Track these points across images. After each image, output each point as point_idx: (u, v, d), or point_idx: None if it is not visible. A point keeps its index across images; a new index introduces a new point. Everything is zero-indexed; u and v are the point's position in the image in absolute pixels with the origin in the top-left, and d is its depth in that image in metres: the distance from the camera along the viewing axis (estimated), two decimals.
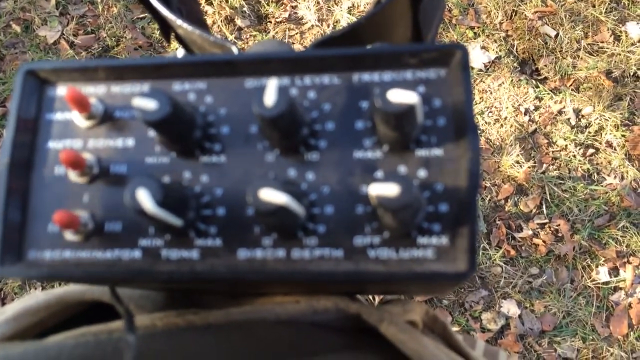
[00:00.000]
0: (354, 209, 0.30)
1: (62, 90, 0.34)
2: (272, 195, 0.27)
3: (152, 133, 0.33)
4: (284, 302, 0.40)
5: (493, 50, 1.83)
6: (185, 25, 0.40)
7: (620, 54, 1.78)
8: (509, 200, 1.72)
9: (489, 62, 1.81)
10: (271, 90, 0.28)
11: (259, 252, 0.31)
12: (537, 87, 1.79)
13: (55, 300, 0.42)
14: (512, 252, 1.69)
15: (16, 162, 0.32)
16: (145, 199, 0.27)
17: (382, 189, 0.26)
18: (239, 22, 1.85)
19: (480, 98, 1.78)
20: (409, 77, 0.31)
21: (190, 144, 0.32)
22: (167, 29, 0.46)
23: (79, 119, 0.33)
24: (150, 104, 0.28)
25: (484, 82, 1.80)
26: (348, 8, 1.88)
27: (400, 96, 0.26)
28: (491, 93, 1.79)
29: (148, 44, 1.83)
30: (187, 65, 0.33)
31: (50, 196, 0.33)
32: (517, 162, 1.74)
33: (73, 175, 0.32)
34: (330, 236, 0.30)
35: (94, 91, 0.34)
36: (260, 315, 0.39)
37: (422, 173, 0.30)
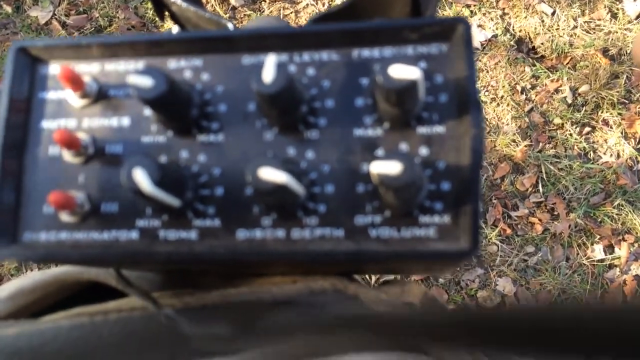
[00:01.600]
0: (355, 187, 0.30)
1: (55, 69, 0.33)
2: (271, 174, 0.26)
3: (148, 112, 0.32)
4: (280, 282, 0.40)
5: (489, 28, 1.81)
6: (179, 1, 0.39)
7: (617, 32, 1.77)
8: (505, 179, 1.72)
9: (486, 41, 1.80)
10: (269, 66, 0.27)
11: (258, 233, 0.30)
12: (534, 65, 1.77)
13: (52, 280, 0.42)
14: (508, 231, 1.70)
15: (9, 143, 0.32)
16: (142, 178, 0.27)
17: (384, 167, 0.26)
18: (233, 1, 1.83)
19: (477, 77, 1.77)
20: (410, 52, 0.30)
21: (187, 122, 0.31)
22: (160, 6, 0.45)
23: (72, 98, 0.32)
24: (146, 81, 0.28)
25: (480, 60, 1.79)
26: None
27: (402, 72, 0.26)
28: (487, 72, 1.78)
29: (141, 24, 1.81)
30: (182, 41, 0.32)
31: (45, 177, 0.32)
32: (514, 141, 1.73)
33: (68, 156, 0.32)
34: (331, 215, 0.30)
35: (88, 69, 0.33)
36: (256, 296, 0.39)
37: (423, 151, 0.29)
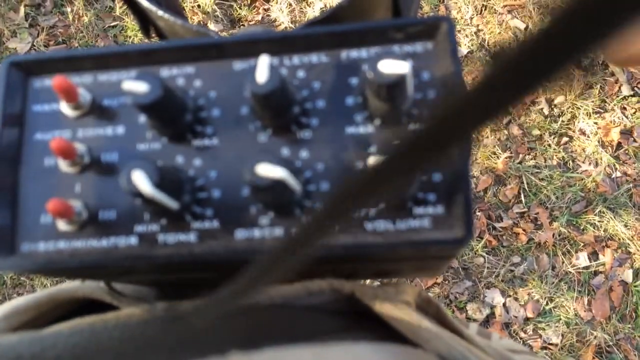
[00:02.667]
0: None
1: (48, 81, 0.34)
2: (269, 170, 0.27)
3: (142, 119, 0.32)
4: (279, 286, 0.40)
5: (465, 45, 1.85)
6: (166, 15, 0.40)
7: None
8: (488, 191, 1.74)
9: (462, 57, 1.83)
10: (263, 66, 0.28)
11: (257, 232, 0.31)
12: None
13: (46, 298, 0.41)
14: (494, 242, 1.71)
15: (4, 157, 0.32)
16: (142, 180, 0.27)
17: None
18: (212, 26, 1.85)
19: (462, 73, 1.80)
20: (396, 51, 0.31)
21: (182, 128, 0.32)
22: (146, 23, 0.46)
23: (66, 109, 0.33)
24: (141, 87, 0.28)
25: None
26: (320, 9, 1.89)
27: (391, 66, 0.27)
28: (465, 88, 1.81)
29: (114, 42, 1.82)
30: (174, 50, 0.33)
31: (42, 188, 0.32)
32: (494, 153, 1.76)
33: (64, 166, 0.32)
34: None
35: (81, 81, 0.33)
36: (254, 299, 0.39)
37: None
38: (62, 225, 0.31)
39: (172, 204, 0.29)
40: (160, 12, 0.40)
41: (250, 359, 0.31)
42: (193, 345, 0.35)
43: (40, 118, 0.33)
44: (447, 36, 0.30)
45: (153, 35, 0.48)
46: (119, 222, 0.32)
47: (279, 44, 0.32)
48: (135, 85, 0.28)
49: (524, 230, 1.72)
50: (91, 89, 0.33)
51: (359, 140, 0.31)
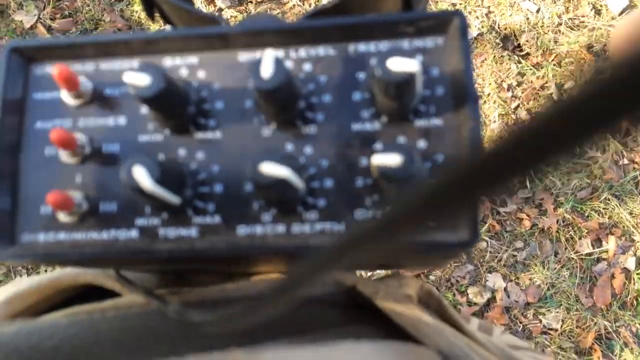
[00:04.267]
0: (354, 181, 0.30)
1: (49, 69, 0.33)
2: (272, 169, 0.26)
3: (144, 110, 0.32)
4: (280, 277, 0.40)
5: (475, 27, 1.82)
6: (173, 1, 0.39)
7: (601, 28, 1.79)
8: None
9: (472, 39, 1.81)
10: (268, 61, 0.27)
11: (259, 228, 0.30)
12: (519, 62, 1.79)
13: (48, 283, 0.41)
14: (497, 227, 1.71)
15: (4, 145, 0.32)
16: (142, 176, 0.27)
17: (385, 159, 0.26)
18: (219, 2, 1.82)
19: (473, 69, 1.78)
20: (406, 46, 0.31)
21: (184, 120, 0.31)
22: (151, 6, 0.45)
23: (67, 98, 0.32)
24: (143, 79, 0.28)
25: None
26: None
27: (400, 64, 0.26)
28: (474, 70, 1.79)
29: (127, 26, 1.80)
30: (177, 39, 0.32)
31: (42, 178, 0.32)
32: (501, 138, 1.74)
33: (64, 156, 0.31)
34: (331, 210, 0.30)
35: (82, 69, 0.33)
36: (256, 290, 0.39)
37: (421, 144, 0.30)
38: (62, 216, 0.31)
39: (173, 199, 0.28)
40: None
41: (252, 358, 0.31)
42: (194, 338, 0.35)
43: (41, 106, 0.33)
44: (459, 31, 0.30)
45: (157, 16, 0.47)
46: (120, 214, 0.31)
47: (286, 35, 0.31)
48: (137, 77, 0.28)
49: (528, 215, 1.72)
50: (93, 78, 0.32)
51: (365, 137, 0.30)
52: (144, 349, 0.34)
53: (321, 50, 0.31)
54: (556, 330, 1.66)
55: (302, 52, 0.31)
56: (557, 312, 1.67)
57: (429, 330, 0.37)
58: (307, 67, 0.31)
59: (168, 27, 0.43)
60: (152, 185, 0.27)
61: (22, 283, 0.42)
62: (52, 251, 0.31)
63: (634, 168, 1.74)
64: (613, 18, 1.80)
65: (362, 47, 0.31)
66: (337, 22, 0.31)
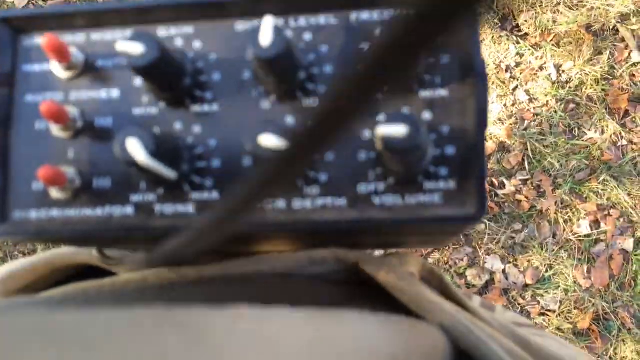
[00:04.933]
0: (357, 155, 0.29)
1: (38, 40, 0.32)
2: (272, 141, 0.25)
3: (138, 82, 0.31)
4: (280, 254, 0.39)
5: None
6: None
7: (599, 8, 1.77)
8: (491, 157, 1.73)
9: None
10: (267, 28, 0.26)
11: None
12: (518, 43, 1.77)
13: (43, 263, 0.40)
14: (496, 209, 1.70)
15: None
16: (136, 149, 0.26)
17: (390, 130, 0.25)
18: None
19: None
20: None
21: (180, 92, 0.30)
22: None
23: (58, 70, 0.31)
24: (137, 48, 0.26)
25: None
26: None
27: None
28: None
29: None
30: (171, 8, 0.30)
31: (33, 153, 0.31)
32: (499, 119, 1.74)
33: (56, 130, 0.30)
34: (333, 184, 0.29)
35: (73, 39, 0.31)
36: (256, 268, 0.38)
37: (427, 115, 0.29)
38: (54, 192, 0.30)
39: (169, 173, 0.27)
40: None
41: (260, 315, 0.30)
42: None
43: (31, 79, 0.31)
44: None
45: None
46: (114, 190, 0.30)
47: (285, 3, 0.30)
48: (130, 46, 0.26)
49: (526, 197, 1.71)
50: (84, 49, 0.31)
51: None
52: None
53: (322, 19, 0.30)
54: (554, 311, 1.67)
55: (302, 20, 0.30)
56: (555, 293, 1.67)
57: (431, 307, 0.37)
58: (308, 36, 0.30)
59: None
60: (146, 158, 0.26)
61: (17, 263, 0.42)
62: (45, 228, 0.30)
63: (633, 149, 1.73)
64: None
65: (365, 15, 0.30)
66: None
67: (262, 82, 0.29)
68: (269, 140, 0.25)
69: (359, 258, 0.38)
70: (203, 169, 0.30)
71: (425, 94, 0.29)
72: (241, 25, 0.30)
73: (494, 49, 1.77)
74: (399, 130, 0.24)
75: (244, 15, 0.30)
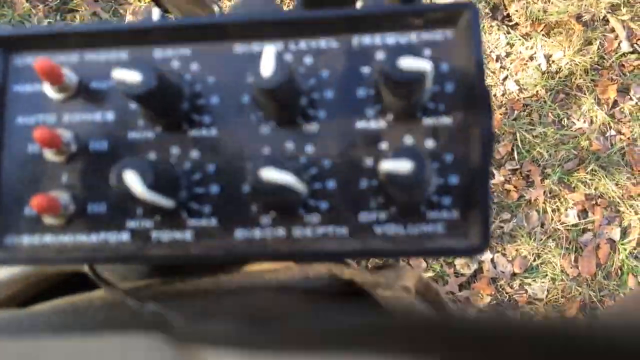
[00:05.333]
0: (358, 183, 0.28)
1: (30, 59, 0.31)
2: (274, 175, 0.25)
3: (134, 105, 0.30)
4: (275, 268, 0.38)
5: None
6: None
7: None
8: None
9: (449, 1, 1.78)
10: (268, 58, 0.25)
11: (258, 232, 0.29)
12: (509, 33, 1.77)
13: (34, 271, 0.40)
14: None
15: None
16: (134, 182, 0.25)
17: (394, 166, 0.24)
18: None
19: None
20: (414, 39, 0.29)
21: (177, 116, 0.29)
22: None
23: (51, 91, 0.30)
24: (133, 76, 0.26)
25: None
26: None
27: (412, 63, 0.24)
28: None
29: None
30: (168, 29, 0.30)
31: (25, 177, 0.30)
32: None
33: (49, 154, 0.29)
34: (334, 213, 0.28)
35: (66, 60, 0.30)
36: (250, 283, 0.37)
37: (429, 143, 0.28)
38: (48, 218, 0.29)
39: (167, 203, 0.27)
40: None
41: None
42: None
43: (22, 99, 0.30)
44: (470, 25, 0.28)
45: None
46: (110, 216, 0.29)
47: (285, 26, 0.29)
48: (127, 74, 0.25)
49: (515, 187, 1.72)
50: (77, 70, 0.30)
51: (370, 135, 0.29)
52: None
53: (323, 43, 0.29)
54: (542, 300, 1.68)
55: (303, 44, 0.29)
56: (543, 282, 1.68)
57: None
58: (308, 60, 0.29)
59: (156, 10, 0.41)
60: (145, 191, 0.25)
61: (6, 272, 0.41)
62: (38, 255, 0.29)
63: (621, 139, 1.74)
64: None
65: (366, 39, 0.29)
66: (340, 13, 0.29)
67: (262, 107, 0.29)
68: (271, 174, 0.25)
69: (354, 275, 0.38)
70: (201, 195, 0.29)
71: (428, 121, 0.28)
72: (240, 48, 0.30)
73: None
74: (404, 166, 0.24)
75: (242, 38, 0.30)
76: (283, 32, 0.29)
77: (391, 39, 0.29)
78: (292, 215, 0.29)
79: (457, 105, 0.28)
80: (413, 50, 0.25)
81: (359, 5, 0.31)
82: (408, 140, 0.28)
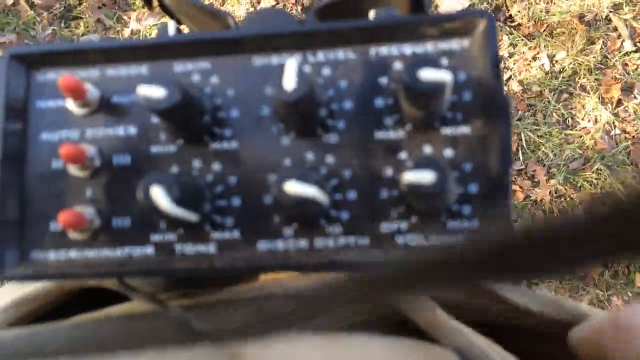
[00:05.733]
0: (378, 193, 0.29)
1: (52, 75, 0.31)
2: (298, 188, 0.25)
3: (155, 119, 0.30)
4: (293, 277, 0.39)
5: None
6: None
7: None
8: None
9: (463, 9, 1.78)
10: (290, 72, 0.25)
11: (280, 243, 0.29)
12: (511, 33, 1.77)
13: (55, 287, 0.40)
14: None
15: (8, 156, 0.30)
16: (161, 197, 0.25)
17: (417, 177, 0.24)
18: None
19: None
20: (430, 49, 0.29)
21: (199, 130, 0.29)
22: None
23: (73, 107, 0.30)
24: (157, 92, 0.26)
25: None
26: None
27: (432, 75, 0.24)
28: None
29: (112, 1, 1.75)
30: (188, 44, 0.30)
31: (50, 192, 0.30)
32: None
33: (73, 169, 0.30)
34: (355, 223, 0.29)
35: (88, 75, 0.31)
36: (268, 291, 0.38)
37: (448, 152, 0.28)
38: (73, 233, 0.30)
39: (191, 217, 0.27)
40: None
41: (263, 353, 0.30)
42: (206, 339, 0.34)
43: (46, 115, 0.31)
44: (486, 33, 0.28)
45: (155, 6, 0.45)
46: (134, 230, 0.30)
47: (302, 38, 0.29)
48: (151, 90, 0.26)
49: (520, 187, 1.72)
50: (99, 85, 0.31)
51: (389, 145, 0.29)
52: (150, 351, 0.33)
53: (340, 54, 0.30)
54: None
55: (321, 55, 0.30)
56: (550, 282, 1.68)
57: (446, 330, 0.37)
58: (326, 71, 0.30)
59: (172, 23, 0.41)
60: (171, 206, 0.25)
61: (30, 287, 0.41)
62: (63, 269, 0.30)
63: (626, 138, 1.74)
64: None
65: (383, 50, 0.29)
66: (357, 24, 0.29)
67: (283, 119, 0.29)
68: (295, 187, 0.25)
69: None
70: (224, 207, 0.29)
71: (447, 130, 0.28)
72: (259, 60, 0.30)
73: None
74: (426, 176, 0.24)
75: (261, 50, 0.30)
76: (301, 44, 0.30)
77: (408, 48, 0.29)
78: (314, 227, 0.29)
79: (475, 114, 0.28)
80: (431, 60, 0.25)
81: (372, 15, 0.31)
82: (427, 149, 0.28)
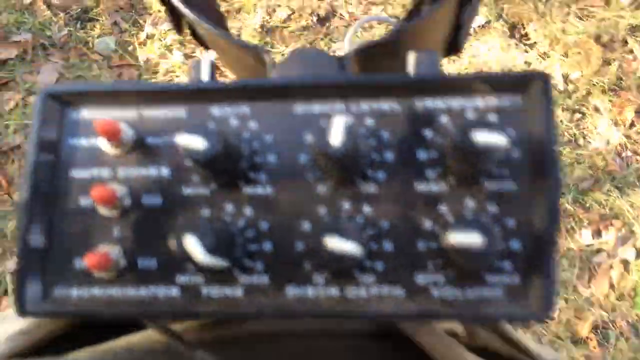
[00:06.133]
0: (416, 244, 0.28)
1: (85, 113, 0.31)
2: (337, 244, 0.24)
3: (189, 161, 0.30)
4: None
5: (483, 14, 1.79)
6: (207, 26, 0.37)
7: (610, 19, 1.76)
8: None
9: (479, 27, 1.78)
10: (339, 128, 0.25)
11: (310, 290, 0.28)
12: (526, 52, 1.76)
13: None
14: None
15: (38, 191, 0.29)
16: (195, 247, 0.25)
17: (464, 239, 0.24)
18: (253, 17, 1.77)
19: (469, 62, 1.76)
20: (480, 104, 0.28)
21: (234, 175, 0.29)
22: (178, 21, 0.43)
23: (106, 146, 0.30)
24: (197, 143, 0.25)
25: (473, 46, 1.77)
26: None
27: (487, 138, 0.24)
28: (480, 57, 1.76)
29: (129, 4, 1.75)
30: (227, 90, 0.29)
31: (77, 230, 0.30)
32: None
33: (102, 209, 0.29)
34: (389, 274, 0.28)
35: (123, 115, 0.30)
36: (291, 327, 0.37)
37: (492, 208, 0.28)
38: (98, 272, 0.29)
39: (222, 263, 0.27)
40: (203, 24, 0.36)
41: None
42: None
43: (77, 153, 0.30)
44: (541, 93, 0.27)
45: (186, 32, 0.44)
46: (160, 270, 0.29)
47: (346, 89, 0.29)
48: (191, 139, 0.25)
49: None
50: (134, 125, 0.30)
51: (429, 197, 0.28)
52: None
53: (385, 105, 0.29)
54: (553, 319, 1.67)
55: (364, 105, 0.29)
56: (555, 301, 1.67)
57: None
58: (369, 121, 0.29)
59: (207, 55, 0.41)
60: (205, 257, 0.25)
61: (25, 320, 0.41)
62: (86, 307, 0.29)
63: (637, 160, 1.73)
64: (622, 8, 1.77)
65: (429, 103, 0.29)
66: (404, 79, 0.28)
67: (322, 169, 0.28)
68: (336, 244, 0.24)
69: None
70: (254, 252, 0.29)
71: (492, 185, 0.28)
72: (300, 108, 0.29)
73: (502, 57, 1.76)
74: (474, 239, 0.24)
75: (303, 98, 0.29)
76: (344, 94, 0.29)
77: (456, 102, 0.28)
78: (346, 275, 0.28)
79: (524, 171, 0.28)
80: (483, 120, 0.25)
81: (411, 59, 0.30)
82: (470, 203, 0.28)
